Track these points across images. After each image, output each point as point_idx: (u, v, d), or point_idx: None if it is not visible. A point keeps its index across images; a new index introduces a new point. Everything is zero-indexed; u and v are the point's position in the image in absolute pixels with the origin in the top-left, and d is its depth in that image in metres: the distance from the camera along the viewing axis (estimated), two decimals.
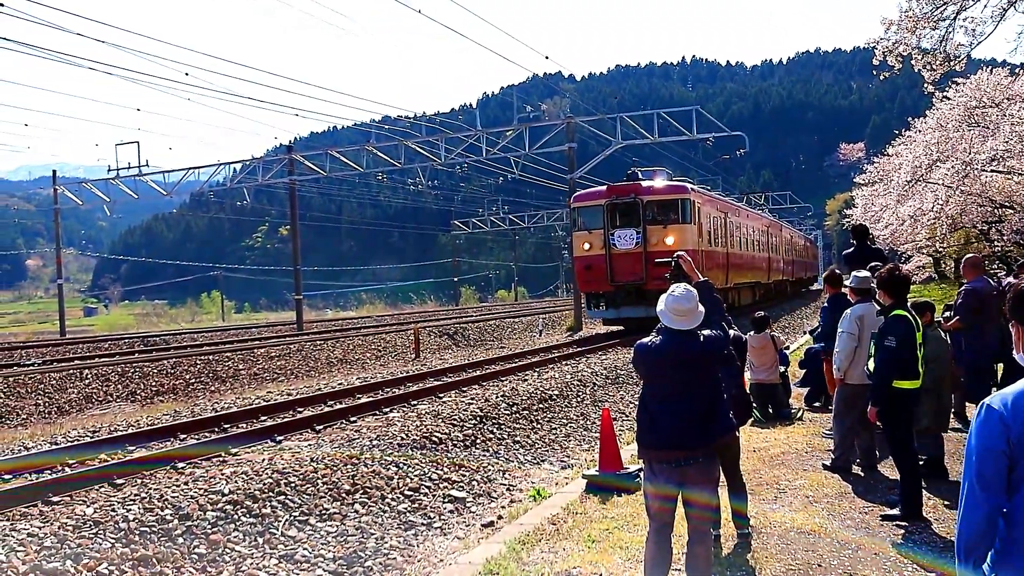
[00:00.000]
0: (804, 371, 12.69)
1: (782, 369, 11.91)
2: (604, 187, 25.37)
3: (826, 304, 9.99)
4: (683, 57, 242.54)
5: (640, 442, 5.28)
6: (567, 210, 36.50)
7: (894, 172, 30.35)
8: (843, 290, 9.51)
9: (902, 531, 6.49)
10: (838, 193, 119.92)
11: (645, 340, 5.23)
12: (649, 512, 5.33)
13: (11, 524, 6.68)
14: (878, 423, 7.28)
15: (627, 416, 12.61)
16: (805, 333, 15.40)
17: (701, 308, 5.21)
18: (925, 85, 17.47)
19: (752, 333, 11.53)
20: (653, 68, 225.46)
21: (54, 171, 48.48)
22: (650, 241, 23.35)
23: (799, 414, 11.53)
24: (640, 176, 25.47)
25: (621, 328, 26.63)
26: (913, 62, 16.68)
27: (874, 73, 18.10)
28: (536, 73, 43.25)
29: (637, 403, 5.35)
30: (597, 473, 8.56)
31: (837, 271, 10.40)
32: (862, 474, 8.36)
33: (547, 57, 33.07)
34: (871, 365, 7.15)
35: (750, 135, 41.25)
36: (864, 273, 8.40)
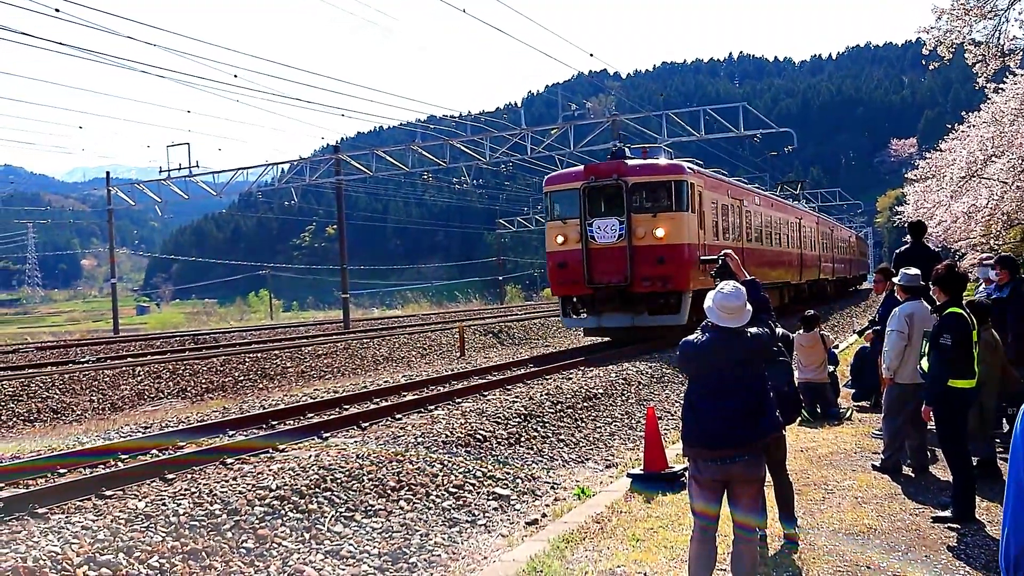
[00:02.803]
0: (855, 370, 12.50)
1: (831, 368, 11.75)
2: (581, 167, 21.42)
3: (885, 302, 9.82)
4: (729, 53, 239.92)
5: (685, 440, 5.27)
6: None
7: (947, 168, 29.61)
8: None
9: (954, 533, 6.36)
10: (889, 190, 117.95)
11: (691, 337, 5.24)
12: (694, 511, 5.31)
13: (66, 517, 6.83)
14: (930, 423, 7.16)
15: (672, 415, 12.53)
16: (854, 333, 14.51)
17: (749, 307, 5.18)
18: (978, 80, 17.10)
19: (801, 331, 11.39)
20: (699, 65, 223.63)
21: (108, 173, 49.49)
22: (635, 233, 19.65)
23: (848, 414, 11.36)
24: (628, 154, 21.63)
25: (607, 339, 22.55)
26: (967, 55, 16.34)
27: (924, 64, 17.77)
28: (581, 71, 43.20)
29: (682, 401, 5.32)
30: (642, 472, 8.53)
31: (891, 268, 10.22)
32: (912, 475, 8.21)
33: (592, 55, 32.93)
34: (924, 364, 7.04)
35: (798, 132, 40.68)
36: (914, 271, 8.25)
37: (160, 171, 42.68)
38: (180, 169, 41.73)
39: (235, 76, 54.10)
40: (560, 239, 20.53)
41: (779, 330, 6.08)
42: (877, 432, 9.62)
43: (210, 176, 43.52)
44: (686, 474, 8.55)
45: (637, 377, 15.54)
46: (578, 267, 20.06)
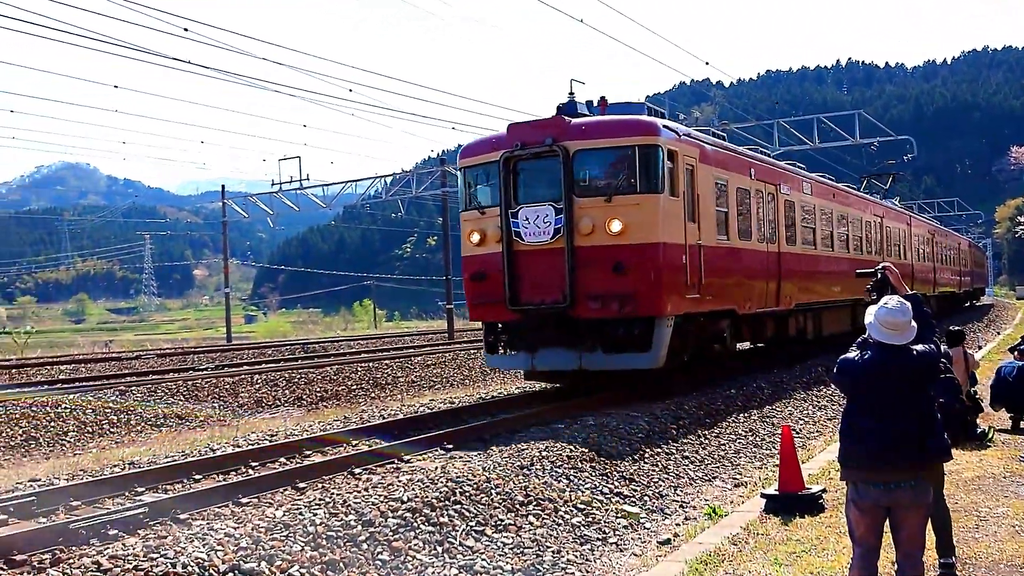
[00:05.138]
0: (995, 390, 11.85)
1: (972, 388, 11.17)
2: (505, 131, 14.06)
3: None
4: (837, 60, 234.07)
5: (845, 461, 5.03)
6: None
7: None
8: None
9: None
10: (1009, 199, 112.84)
11: (851, 355, 5.02)
12: (853, 536, 5.05)
13: (208, 524, 6.96)
14: None
15: (796, 432, 12.12)
16: (1010, 351, 12.52)
17: (914, 323, 4.91)
18: None
19: (944, 348, 10.87)
20: (805, 72, 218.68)
21: (223, 186, 51.24)
22: (579, 227, 12.91)
23: (990, 435, 10.77)
24: (576, 111, 14.01)
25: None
26: None
27: None
28: (684, 81, 42.62)
29: (841, 420, 5.08)
30: (777, 492, 8.24)
31: None
32: None
33: (707, 63, 32.45)
34: None
35: (912, 139, 39.27)
36: None
37: (272, 184, 44.00)
38: (291, 182, 42.89)
39: (350, 90, 55.48)
40: (476, 237, 14.09)
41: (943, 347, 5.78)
42: None
43: (319, 188, 44.65)
44: (823, 496, 8.26)
45: (757, 392, 15.14)
46: (498, 279, 13.46)
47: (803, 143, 31.82)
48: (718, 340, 15.37)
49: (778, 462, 8.67)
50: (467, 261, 14.37)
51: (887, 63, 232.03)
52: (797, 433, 12.35)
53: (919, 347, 4.91)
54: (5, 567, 6.30)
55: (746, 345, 19.15)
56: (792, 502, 8.04)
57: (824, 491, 8.30)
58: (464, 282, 14.59)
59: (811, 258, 20.26)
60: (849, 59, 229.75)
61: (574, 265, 12.87)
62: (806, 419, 13.87)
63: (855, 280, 24.59)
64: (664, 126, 13.58)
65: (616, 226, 12.81)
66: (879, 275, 5.74)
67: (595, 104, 14.66)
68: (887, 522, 4.90)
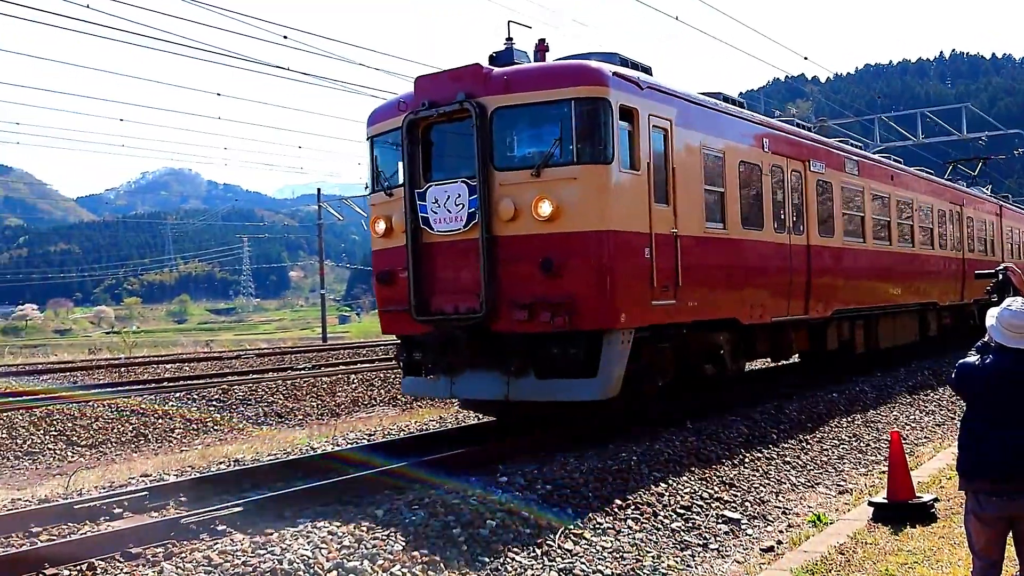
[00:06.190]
0: None
1: None
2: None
3: None
4: (940, 52, 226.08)
5: (964, 472, 4.81)
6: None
7: None
8: None
9: None
10: None
11: (970, 360, 4.80)
12: (974, 549, 4.83)
13: (312, 522, 7.10)
14: None
15: (903, 438, 11.71)
16: None
17: None
18: None
19: None
20: (906, 65, 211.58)
21: (319, 189, 52.42)
22: (499, 211, 9.94)
23: None
24: (513, 61, 10.87)
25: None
26: None
27: None
28: (778, 77, 41.75)
29: (959, 427, 4.87)
30: (886, 500, 7.97)
31: None
32: None
33: (806, 58, 31.82)
34: None
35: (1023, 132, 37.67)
36: None
37: (366, 187, 44.73)
38: None
39: None
40: (381, 226, 11.26)
41: None
42: None
43: None
44: (935, 505, 7.96)
45: (860, 396, 14.69)
46: (402, 281, 10.73)
47: (905, 138, 30.77)
48: (712, 359, 12.10)
49: (885, 469, 8.41)
50: (375, 257, 11.56)
51: (993, 54, 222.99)
52: (904, 439, 11.94)
53: None
54: (121, 559, 6.54)
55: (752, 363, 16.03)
56: (902, 511, 7.78)
57: (936, 500, 8.01)
58: (374, 285, 11.66)
59: (857, 253, 16.51)
60: (953, 50, 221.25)
61: (492, 262, 9.90)
62: (913, 424, 13.40)
63: (920, 281, 19.19)
64: (617, 74, 10.17)
65: (546, 208, 9.65)
66: (1000, 276, 5.48)
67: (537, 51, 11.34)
68: (1010, 534, 4.69)
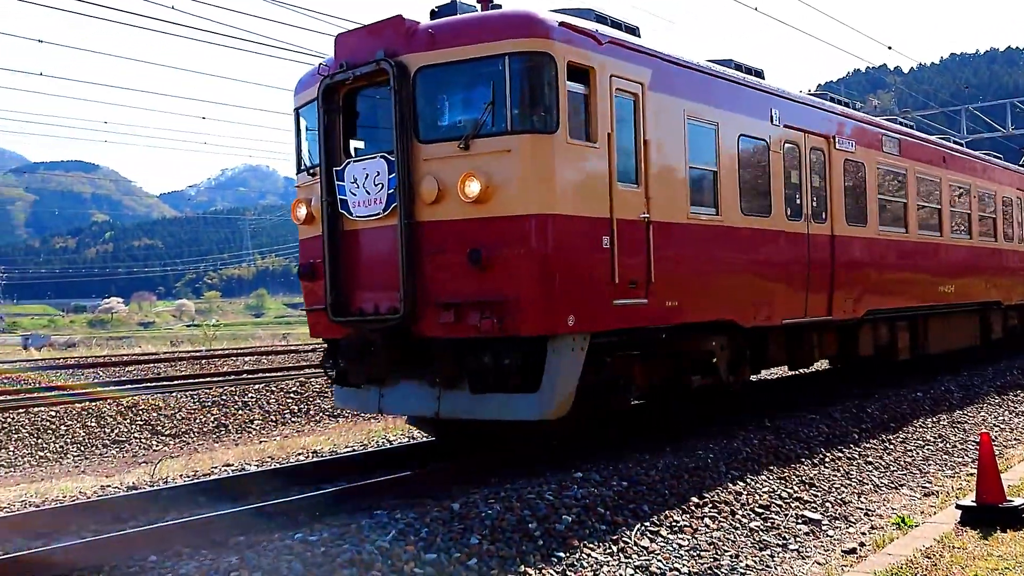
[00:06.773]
0: None
1: None
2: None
3: None
4: None
5: None
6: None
7: None
8: None
9: None
10: None
11: None
12: None
13: (389, 513, 7.17)
14: None
15: (992, 440, 11.32)
16: None
17: None
18: None
19: None
20: (994, 53, 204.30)
21: None
22: (421, 191, 8.37)
23: None
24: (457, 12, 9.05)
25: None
26: None
27: None
28: (858, 67, 40.71)
29: None
30: (974, 503, 7.72)
31: None
32: None
33: (890, 47, 30.95)
34: None
35: None
36: None
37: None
38: None
39: None
40: (302, 212, 9.75)
41: None
42: None
43: None
44: None
45: (946, 396, 14.26)
46: (319, 274, 9.35)
47: (994, 130, 29.74)
48: (701, 369, 10.32)
49: (972, 471, 8.15)
50: (300, 248, 10.06)
51: None
52: (993, 440, 11.56)
53: None
54: (207, 547, 6.70)
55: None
56: (992, 515, 7.52)
57: None
58: (301, 280, 9.95)
59: (897, 245, 14.43)
60: None
61: (413, 253, 8.37)
62: (1002, 426, 12.94)
63: (980, 277, 17.38)
64: (566, 24, 8.40)
65: (474, 188, 8.00)
66: None
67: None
68: None
